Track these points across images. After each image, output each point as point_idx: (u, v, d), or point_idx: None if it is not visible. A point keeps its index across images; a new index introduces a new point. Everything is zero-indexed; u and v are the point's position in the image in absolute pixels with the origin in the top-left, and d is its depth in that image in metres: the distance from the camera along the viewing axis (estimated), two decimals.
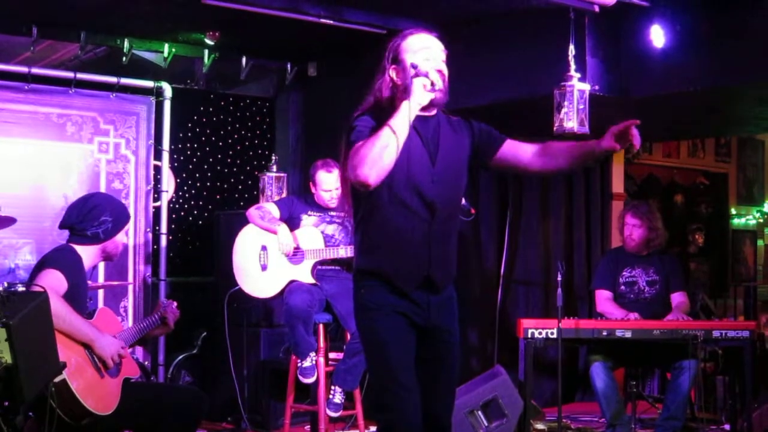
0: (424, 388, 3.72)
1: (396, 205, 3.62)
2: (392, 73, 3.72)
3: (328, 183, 6.17)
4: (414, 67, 3.57)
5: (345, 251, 6.08)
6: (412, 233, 3.64)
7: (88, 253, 4.75)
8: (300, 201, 6.35)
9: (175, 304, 5.12)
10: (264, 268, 6.24)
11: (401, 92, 3.64)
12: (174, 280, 7.21)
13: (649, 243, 6.87)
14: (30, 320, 3.71)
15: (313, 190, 6.28)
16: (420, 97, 3.54)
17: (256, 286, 6.28)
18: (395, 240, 3.65)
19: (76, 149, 6.73)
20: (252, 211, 6.24)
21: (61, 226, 4.83)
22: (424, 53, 3.65)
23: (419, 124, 3.64)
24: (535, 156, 3.83)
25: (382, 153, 3.43)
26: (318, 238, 6.16)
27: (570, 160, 3.80)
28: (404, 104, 3.51)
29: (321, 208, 6.27)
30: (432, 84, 3.58)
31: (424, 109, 3.63)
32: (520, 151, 3.84)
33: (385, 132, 3.46)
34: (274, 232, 6.11)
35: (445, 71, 3.68)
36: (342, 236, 6.24)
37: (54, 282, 4.44)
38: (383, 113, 3.60)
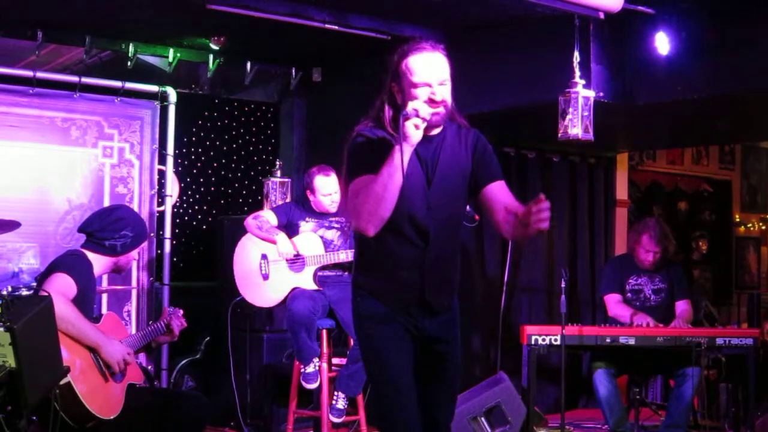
0: (424, 394, 3.72)
1: (390, 232, 3.58)
2: (393, 90, 3.65)
3: (327, 187, 6.16)
4: (404, 115, 3.45)
5: (345, 255, 6.08)
6: (405, 260, 3.62)
7: (99, 263, 4.76)
8: (298, 207, 6.34)
9: (182, 312, 5.12)
10: (265, 277, 6.22)
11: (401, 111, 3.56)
12: (177, 285, 7.20)
13: (662, 260, 6.88)
14: (34, 324, 3.71)
15: (310, 197, 6.25)
16: (413, 138, 3.44)
17: (258, 295, 6.27)
18: (389, 265, 3.64)
19: (81, 153, 6.72)
20: (250, 221, 6.22)
21: (80, 230, 4.85)
22: (425, 88, 3.53)
23: (420, 146, 3.56)
24: (505, 213, 3.62)
25: (377, 207, 3.44)
26: (318, 243, 6.15)
27: (510, 231, 3.58)
28: (396, 151, 3.42)
29: (319, 214, 6.27)
30: (423, 118, 3.47)
31: (426, 130, 3.55)
32: (501, 201, 3.66)
33: (379, 183, 3.42)
34: (273, 242, 6.10)
35: (444, 93, 3.57)
36: (341, 241, 6.23)
37: (64, 286, 4.45)
38: (384, 130, 3.61)
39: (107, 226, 4.77)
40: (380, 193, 3.43)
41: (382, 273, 3.66)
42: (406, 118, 3.43)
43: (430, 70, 3.56)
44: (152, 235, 6.90)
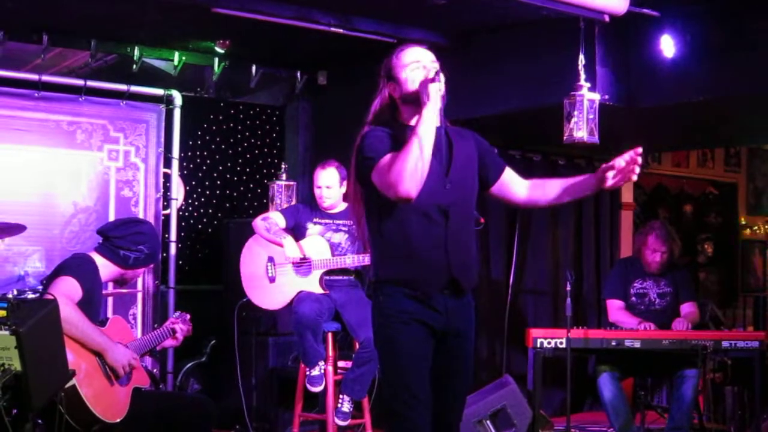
0: (436, 395, 3.73)
1: (412, 214, 3.66)
2: (389, 90, 3.82)
3: (320, 179, 6.17)
4: (429, 80, 3.65)
5: (352, 260, 6.07)
6: (429, 239, 3.68)
7: (106, 269, 4.77)
8: (306, 209, 6.33)
9: (188, 316, 5.12)
10: (272, 280, 6.22)
11: (402, 105, 3.79)
12: (183, 288, 7.21)
13: (669, 263, 6.86)
14: (40, 328, 3.71)
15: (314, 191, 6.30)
16: (437, 101, 3.63)
17: (264, 298, 6.26)
18: (414, 247, 3.68)
19: (86, 157, 6.74)
20: (258, 223, 6.21)
21: (99, 231, 4.87)
22: (417, 66, 3.75)
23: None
24: (529, 189, 3.95)
25: (417, 165, 3.54)
26: (325, 247, 6.13)
27: (562, 194, 3.90)
28: (425, 112, 3.60)
29: (327, 216, 6.26)
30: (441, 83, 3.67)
31: None
32: (515, 182, 3.97)
33: (414, 144, 3.55)
34: (280, 245, 6.08)
35: (436, 67, 3.76)
36: (348, 244, 6.22)
37: (68, 289, 4.46)
38: (388, 128, 3.75)
39: (127, 236, 4.79)
40: (418, 150, 3.54)
41: (407, 258, 3.69)
42: (431, 81, 3.64)
43: (418, 52, 3.81)
44: None
